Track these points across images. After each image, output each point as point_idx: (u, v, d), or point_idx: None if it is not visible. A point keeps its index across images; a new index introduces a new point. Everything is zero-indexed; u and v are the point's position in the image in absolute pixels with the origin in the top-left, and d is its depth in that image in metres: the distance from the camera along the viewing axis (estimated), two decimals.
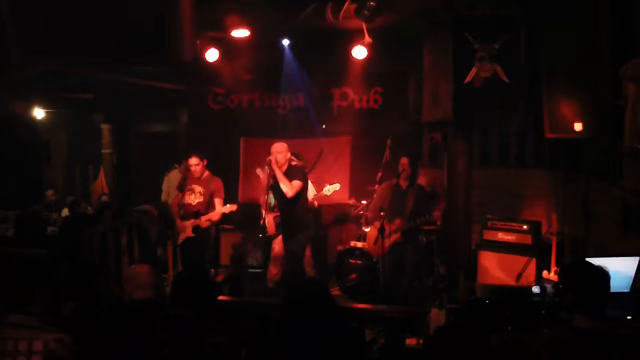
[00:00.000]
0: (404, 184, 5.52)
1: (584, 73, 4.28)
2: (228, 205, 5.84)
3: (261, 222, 5.71)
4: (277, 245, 6.01)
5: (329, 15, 5.12)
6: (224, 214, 5.90)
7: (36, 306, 2.34)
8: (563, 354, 2.28)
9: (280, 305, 2.55)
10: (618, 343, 2.33)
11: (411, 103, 7.13)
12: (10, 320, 2.28)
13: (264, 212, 5.62)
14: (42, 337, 2.25)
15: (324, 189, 6.07)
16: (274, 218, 5.86)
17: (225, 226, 6.82)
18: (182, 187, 5.98)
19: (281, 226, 5.77)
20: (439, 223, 5.65)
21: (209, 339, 2.62)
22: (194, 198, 5.87)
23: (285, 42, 6.75)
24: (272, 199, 5.74)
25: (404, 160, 5.48)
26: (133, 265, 3.35)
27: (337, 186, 6.11)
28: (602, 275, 2.40)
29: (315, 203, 6.27)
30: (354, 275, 5.82)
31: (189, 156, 5.92)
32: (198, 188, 5.86)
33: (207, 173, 5.90)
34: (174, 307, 2.76)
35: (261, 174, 5.63)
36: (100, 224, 5.81)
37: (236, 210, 5.90)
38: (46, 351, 2.22)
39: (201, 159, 5.81)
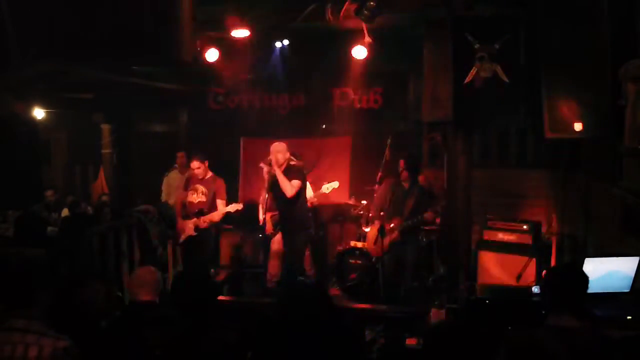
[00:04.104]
0: (405, 184, 5.52)
1: (584, 73, 4.27)
2: (233, 204, 5.84)
3: (261, 222, 5.72)
4: (276, 244, 6.02)
5: (329, 15, 5.12)
6: (226, 214, 5.90)
7: (37, 309, 2.33)
8: (573, 354, 2.28)
9: (277, 306, 2.56)
10: (621, 344, 2.33)
11: (411, 103, 7.14)
12: (17, 324, 2.27)
13: (262, 211, 5.61)
14: (47, 342, 2.23)
15: (323, 187, 6.07)
16: (272, 217, 5.88)
17: (225, 226, 6.82)
18: (187, 187, 6.01)
19: (280, 226, 5.78)
20: (431, 224, 5.64)
21: (215, 335, 2.62)
22: (196, 197, 5.87)
23: (285, 42, 6.75)
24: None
25: (401, 163, 5.49)
26: (138, 267, 3.36)
27: (335, 184, 6.11)
28: (576, 275, 2.47)
29: (315, 201, 6.27)
30: (354, 275, 5.82)
31: (190, 160, 5.92)
32: (201, 188, 5.87)
33: (210, 174, 5.90)
34: (173, 307, 2.77)
35: (265, 167, 5.58)
36: (100, 224, 5.82)
37: (241, 210, 5.92)
38: (53, 356, 2.21)
39: (202, 161, 5.80)
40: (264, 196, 5.59)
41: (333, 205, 7.03)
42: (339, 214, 7.13)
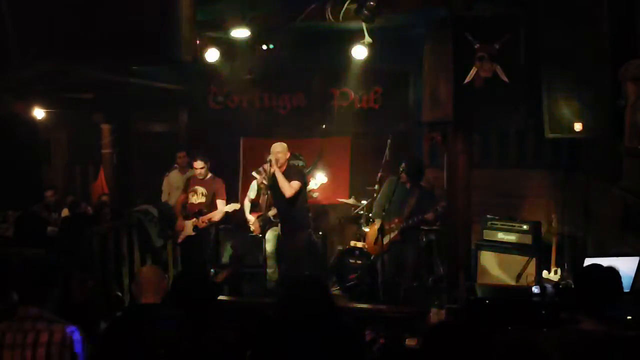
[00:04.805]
0: (407, 183, 5.51)
1: (584, 73, 4.26)
2: (232, 204, 5.88)
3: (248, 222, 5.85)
4: (270, 245, 6.05)
5: (329, 15, 5.11)
6: (225, 214, 5.94)
7: (47, 302, 2.41)
8: (570, 356, 2.27)
9: (277, 306, 2.56)
10: (621, 344, 2.33)
11: (411, 103, 7.14)
12: (29, 314, 2.34)
13: (247, 212, 5.82)
14: (57, 328, 2.34)
15: (310, 183, 6.08)
16: (258, 218, 5.94)
17: (225, 226, 6.83)
18: (187, 188, 6.05)
19: (280, 226, 5.79)
20: (432, 224, 5.64)
21: (215, 335, 2.62)
22: (196, 198, 5.92)
23: (285, 42, 6.74)
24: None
25: (402, 166, 5.47)
26: (142, 267, 3.31)
27: (323, 179, 6.14)
28: (615, 276, 2.43)
29: (315, 195, 6.32)
30: (354, 275, 5.82)
31: (194, 159, 5.98)
32: (200, 189, 5.93)
33: (210, 174, 5.96)
34: (173, 306, 2.77)
35: (258, 176, 5.69)
36: (100, 224, 5.82)
37: (239, 210, 5.96)
38: (64, 341, 2.32)
39: (205, 161, 5.87)
40: (249, 198, 5.94)
41: (333, 206, 7.04)
42: (338, 214, 7.13)
